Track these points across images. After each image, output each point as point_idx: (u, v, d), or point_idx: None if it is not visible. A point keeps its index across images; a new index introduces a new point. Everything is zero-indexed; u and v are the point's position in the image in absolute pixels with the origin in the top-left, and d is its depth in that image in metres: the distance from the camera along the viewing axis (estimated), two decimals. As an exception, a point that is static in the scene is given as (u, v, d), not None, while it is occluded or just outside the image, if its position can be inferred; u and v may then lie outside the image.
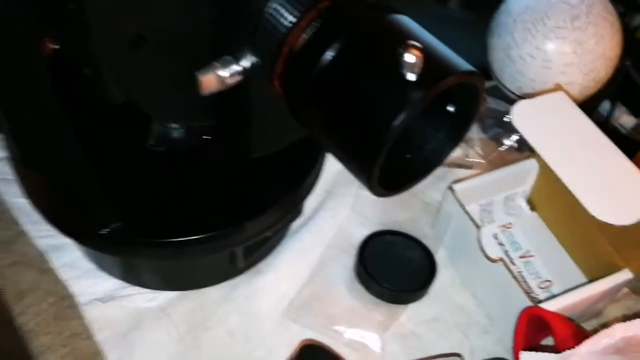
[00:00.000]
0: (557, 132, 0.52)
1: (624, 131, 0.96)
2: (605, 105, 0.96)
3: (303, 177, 0.52)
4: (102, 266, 0.55)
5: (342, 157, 0.30)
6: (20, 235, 0.58)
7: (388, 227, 0.60)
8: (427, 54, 0.27)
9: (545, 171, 0.58)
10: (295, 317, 0.55)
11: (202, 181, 0.51)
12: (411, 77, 0.26)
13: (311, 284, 0.57)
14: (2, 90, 0.35)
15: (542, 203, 0.62)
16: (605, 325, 0.57)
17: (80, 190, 0.44)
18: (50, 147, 0.38)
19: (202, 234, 0.48)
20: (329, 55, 0.29)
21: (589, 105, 0.91)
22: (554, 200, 0.59)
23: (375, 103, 0.27)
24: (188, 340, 0.53)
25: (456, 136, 0.32)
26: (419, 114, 0.27)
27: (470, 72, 0.28)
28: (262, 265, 0.57)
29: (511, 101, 0.70)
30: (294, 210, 0.55)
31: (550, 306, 0.50)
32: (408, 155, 0.32)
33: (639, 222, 0.48)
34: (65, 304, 0.54)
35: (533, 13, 0.61)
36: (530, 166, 0.61)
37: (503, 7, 0.64)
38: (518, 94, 0.64)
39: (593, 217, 0.48)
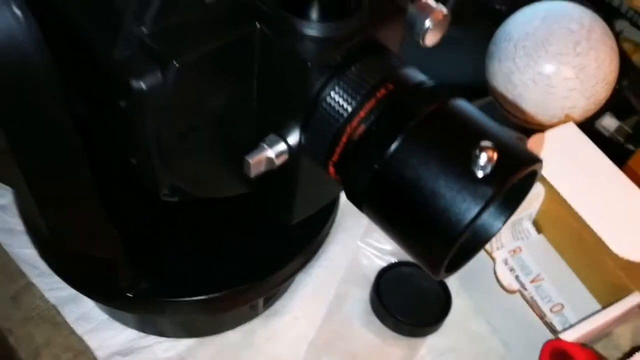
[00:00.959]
0: (570, 164, 0.53)
1: (606, 134, 0.99)
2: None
3: (323, 224, 0.51)
4: (117, 317, 0.54)
5: (406, 247, 0.30)
6: (29, 288, 0.56)
7: (398, 257, 0.60)
8: (498, 149, 0.26)
9: (552, 194, 0.59)
10: (318, 358, 0.55)
11: (228, 231, 0.50)
12: (480, 174, 0.26)
13: (329, 323, 0.57)
14: (33, 175, 0.33)
15: (549, 226, 0.63)
16: (617, 347, 0.59)
17: (106, 256, 0.43)
18: (87, 228, 0.37)
19: (227, 290, 0.47)
20: (392, 148, 0.29)
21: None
22: (561, 224, 0.60)
23: (447, 201, 0.27)
24: (212, 388, 0.53)
25: (508, 212, 0.32)
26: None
27: (537, 161, 0.28)
28: (278, 306, 0.57)
29: (509, 120, 0.71)
30: (313, 253, 0.54)
31: (569, 336, 0.52)
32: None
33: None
34: (83, 359, 0.53)
35: (534, 39, 0.61)
36: (536, 189, 0.62)
37: (502, 33, 0.65)
38: (521, 118, 0.65)
39: (604, 244, 0.49)
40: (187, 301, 0.47)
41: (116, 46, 0.29)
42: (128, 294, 0.45)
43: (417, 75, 0.32)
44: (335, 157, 0.31)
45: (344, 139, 0.30)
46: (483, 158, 0.26)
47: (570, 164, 0.53)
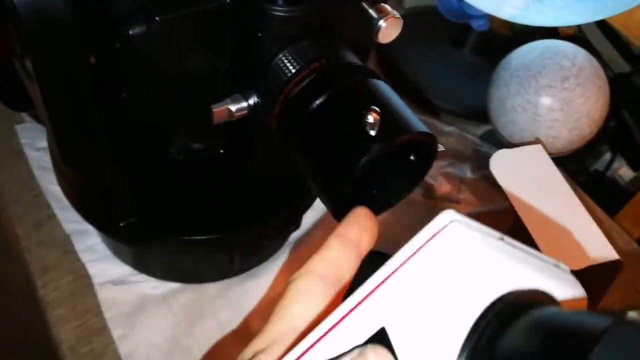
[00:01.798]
0: (528, 180, 0.59)
1: (622, 183, 1.02)
2: (607, 157, 1.02)
3: (304, 195, 0.58)
4: (117, 253, 0.63)
5: (315, 190, 0.37)
6: (51, 218, 0.66)
7: (381, 248, 0.66)
8: (386, 115, 0.33)
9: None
10: (281, 318, 0.61)
11: (212, 189, 0.58)
12: (372, 133, 0.33)
13: (299, 291, 0.64)
14: (50, 95, 0.42)
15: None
16: None
17: (106, 188, 0.51)
18: (87, 150, 0.46)
19: (205, 235, 0.55)
20: (313, 107, 0.36)
21: (588, 155, 0.97)
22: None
23: (344, 150, 0.34)
24: (183, 326, 0.60)
25: (414, 181, 0.39)
26: (379, 160, 0.34)
27: (420, 133, 0.35)
28: (257, 270, 0.64)
29: (504, 146, 0.76)
30: (292, 223, 0.62)
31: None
32: (374, 192, 0.38)
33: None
34: (82, 282, 0.62)
35: (527, 70, 0.67)
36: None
37: (503, 62, 0.71)
38: (510, 140, 0.71)
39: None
40: (168, 238, 0.54)
41: (118, -1, 0.37)
42: (120, 224, 0.54)
43: (350, 57, 0.39)
44: (275, 112, 0.39)
45: (281, 96, 0.38)
46: (370, 119, 0.33)
47: (528, 180, 0.59)
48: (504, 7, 0.68)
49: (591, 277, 0.55)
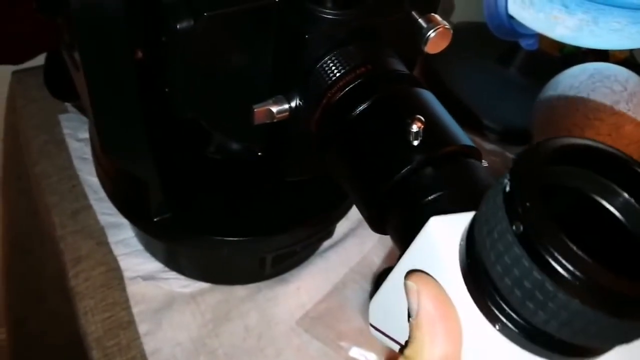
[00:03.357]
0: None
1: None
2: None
3: (338, 203, 0.58)
4: (149, 249, 0.63)
5: (352, 196, 0.37)
6: (87, 208, 0.66)
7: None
8: (430, 125, 0.32)
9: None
10: (308, 326, 0.61)
11: (247, 191, 0.57)
12: (415, 143, 0.32)
13: (328, 300, 0.63)
14: (95, 85, 0.42)
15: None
16: None
17: (143, 181, 0.52)
18: (126, 141, 0.46)
19: (237, 237, 0.54)
20: (355, 112, 0.35)
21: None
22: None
23: (385, 158, 0.34)
24: (210, 326, 0.60)
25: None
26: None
27: (465, 146, 0.34)
28: (287, 275, 0.64)
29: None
30: (325, 231, 0.61)
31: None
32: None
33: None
34: (112, 275, 0.62)
35: (576, 92, 0.65)
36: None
37: (551, 82, 0.69)
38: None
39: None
40: (202, 238, 0.54)
41: (167, -7, 0.38)
42: (154, 220, 0.54)
43: (396, 65, 0.38)
44: (317, 116, 0.38)
45: (324, 101, 0.37)
46: (414, 128, 0.32)
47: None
48: (557, 28, 0.66)
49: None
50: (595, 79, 0.65)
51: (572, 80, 0.67)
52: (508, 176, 0.23)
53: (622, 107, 0.64)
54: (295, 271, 0.64)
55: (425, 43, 0.42)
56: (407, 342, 0.25)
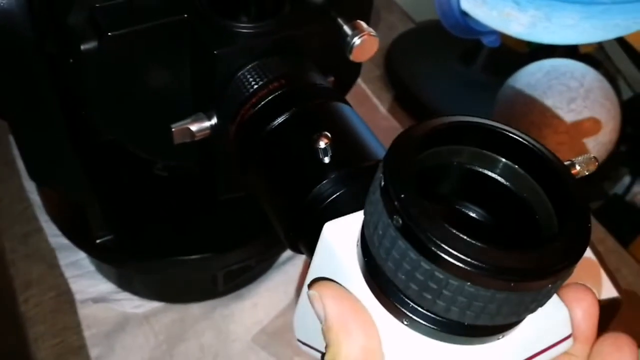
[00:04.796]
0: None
1: (640, 206, 0.97)
2: (626, 180, 0.97)
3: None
4: (101, 270, 0.61)
5: (270, 216, 0.35)
6: (38, 231, 0.65)
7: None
8: (341, 141, 0.31)
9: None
10: (264, 343, 0.59)
11: (194, 208, 0.56)
12: (326, 159, 0.31)
13: (285, 315, 0.61)
14: (10, 109, 0.41)
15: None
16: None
17: (80, 203, 0.50)
18: (54, 165, 0.44)
19: (184, 256, 0.53)
20: (267, 130, 0.34)
21: (605, 178, 0.93)
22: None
23: (296, 178, 0.32)
24: (164, 347, 0.58)
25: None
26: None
27: (376, 162, 0.32)
28: (244, 291, 0.62)
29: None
30: (278, 244, 0.59)
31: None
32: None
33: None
34: (63, 299, 0.61)
35: (533, 90, 0.64)
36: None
37: (509, 81, 0.68)
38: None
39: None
40: (147, 259, 0.53)
41: (71, 13, 0.36)
42: (97, 241, 0.52)
43: (314, 78, 0.37)
44: (233, 133, 0.37)
45: (238, 117, 0.36)
46: (321, 144, 0.31)
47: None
48: (511, 25, 0.65)
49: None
50: (552, 76, 0.64)
51: (529, 78, 0.65)
52: (381, 169, 0.23)
53: (578, 104, 0.62)
54: (252, 286, 0.63)
55: (351, 51, 0.40)
56: (325, 349, 0.25)
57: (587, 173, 0.29)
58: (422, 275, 0.22)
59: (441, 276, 0.21)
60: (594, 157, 0.29)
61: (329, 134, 0.31)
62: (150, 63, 0.38)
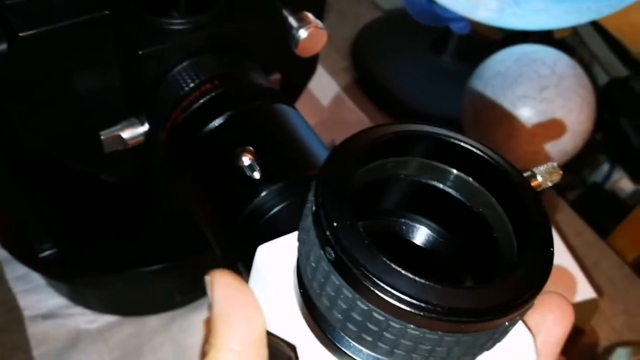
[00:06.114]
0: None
1: (621, 195, 0.95)
2: (605, 168, 0.95)
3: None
4: (51, 284, 0.58)
5: (203, 229, 0.32)
6: (-18, 244, 0.61)
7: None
8: (272, 153, 0.28)
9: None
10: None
11: (144, 216, 0.52)
12: (256, 175, 0.28)
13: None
14: None
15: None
16: None
17: (18, 216, 0.46)
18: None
19: (133, 269, 0.49)
20: (196, 138, 0.30)
21: (584, 166, 0.91)
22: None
23: (227, 195, 0.29)
24: (119, 365, 0.55)
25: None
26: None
27: (308, 175, 0.29)
28: (203, 301, 0.59)
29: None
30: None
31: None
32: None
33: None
34: (12, 315, 0.57)
35: (503, 80, 0.61)
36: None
37: (478, 70, 0.64)
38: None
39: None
40: (92, 274, 0.49)
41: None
42: (39, 255, 0.48)
43: (253, 78, 0.33)
44: (163, 139, 0.33)
45: (169, 122, 0.32)
46: (245, 161, 0.27)
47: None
48: (478, 10, 0.62)
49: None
50: (522, 63, 0.61)
51: (499, 66, 0.62)
52: (312, 193, 0.20)
53: (550, 91, 0.59)
54: (213, 295, 0.59)
55: (296, 45, 0.37)
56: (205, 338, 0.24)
57: (550, 184, 0.26)
58: (359, 316, 0.19)
59: (381, 317, 0.18)
60: (558, 166, 0.26)
61: (251, 149, 0.27)
62: (71, 66, 0.34)
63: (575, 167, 0.86)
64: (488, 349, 0.21)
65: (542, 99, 0.59)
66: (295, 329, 0.22)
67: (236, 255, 0.30)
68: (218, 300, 0.24)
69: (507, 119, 0.60)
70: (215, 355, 0.23)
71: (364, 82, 0.79)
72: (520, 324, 0.24)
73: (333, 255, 0.19)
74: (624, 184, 0.94)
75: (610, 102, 0.86)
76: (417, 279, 0.18)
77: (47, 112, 0.35)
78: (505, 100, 0.60)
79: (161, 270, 0.50)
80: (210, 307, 0.24)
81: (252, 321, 0.23)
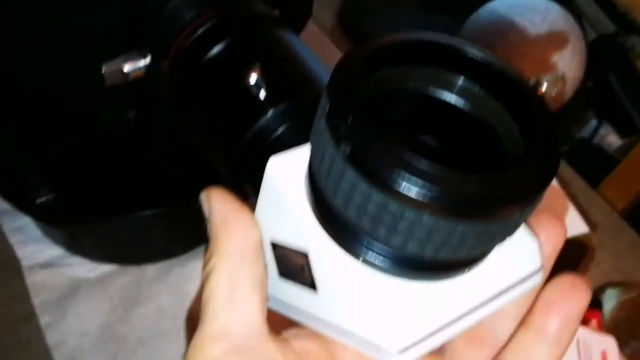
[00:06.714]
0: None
1: (609, 150, 0.96)
2: (593, 123, 0.96)
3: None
4: (48, 234, 0.58)
5: (209, 159, 0.32)
6: (-22, 196, 0.61)
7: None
8: (277, 74, 0.28)
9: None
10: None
11: (141, 161, 0.52)
12: (261, 95, 0.28)
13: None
14: None
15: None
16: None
17: (15, 163, 0.46)
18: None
19: (131, 212, 0.50)
20: (201, 64, 0.31)
21: (572, 122, 0.92)
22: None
23: (233, 117, 0.29)
24: (119, 312, 0.56)
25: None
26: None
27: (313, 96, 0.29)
28: (201, 249, 0.60)
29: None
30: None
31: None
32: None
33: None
34: (9, 266, 0.57)
35: (496, 28, 0.61)
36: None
37: (470, 20, 0.65)
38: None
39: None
40: (90, 217, 0.50)
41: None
42: (36, 202, 0.49)
43: (255, 6, 0.34)
44: (167, 68, 0.33)
45: (173, 51, 0.32)
46: (252, 79, 0.28)
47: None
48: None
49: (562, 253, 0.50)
50: (514, 11, 0.61)
51: (491, 16, 0.62)
52: (326, 93, 0.20)
53: (543, 40, 0.60)
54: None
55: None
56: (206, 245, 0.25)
57: (554, 94, 0.27)
58: (374, 208, 0.19)
59: (396, 207, 0.19)
60: (562, 76, 0.26)
61: (258, 66, 0.28)
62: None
63: (564, 122, 0.87)
64: (499, 242, 0.21)
65: (535, 47, 0.60)
66: (308, 236, 0.23)
67: (243, 176, 0.30)
68: (216, 211, 0.24)
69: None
70: (216, 261, 0.24)
71: (354, 39, 0.79)
72: (524, 228, 0.25)
73: (348, 149, 0.19)
74: (611, 139, 0.96)
75: (598, 58, 0.87)
76: (432, 167, 0.18)
77: (48, 46, 0.35)
78: (498, 51, 0.61)
79: (158, 215, 0.51)
80: (207, 220, 0.25)
81: (250, 228, 0.24)
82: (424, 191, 0.18)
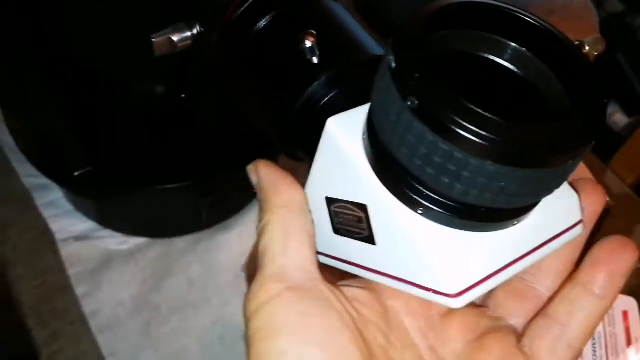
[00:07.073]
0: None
1: (616, 129, 0.98)
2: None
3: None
4: (80, 208, 0.60)
5: (261, 125, 0.34)
6: (10, 172, 0.62)
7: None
8: (330, 39, 0.30)
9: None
10: (253, 270, 0.59)
11: (175, 136, 0.54)
12: (314, 60, 0.30)
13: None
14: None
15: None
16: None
17: (55, 136, 0.48)
18: (22, 93, 0.42)
19: (165, 184, 0.51)
20: (253, 33, 0.32)
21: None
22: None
23: (286, 82, 0.31)
24: (151, 283, 0.57)
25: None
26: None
27: (372, 57, 0.31)
28: (230, 221, 0.61)
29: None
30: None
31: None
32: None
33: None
34: (43, 239, 0.59)
35: (514, 4, 0.62)
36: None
37: None
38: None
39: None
40: (127, 190, 0.51)
41: None
42: (74, 174, 0.50)
43: None
44: (217, 39, 0.35)
45: (222, 21, 0.34)
46: (307, 43, 0.29)
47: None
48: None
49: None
50: (531, -11, 0.63)
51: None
52: (391, 52, 0.21)
53: (558, 15, 0.61)
54: (237, 217, 0.62)
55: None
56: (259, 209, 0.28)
57: (595, 54, 0.28)
58: (440, 158, 0.21)
59: (460, 156, 0.21)
60: (602, 37, 0.28)
61: (314, 32, 0.29)
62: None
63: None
64: (550, 190, 0.23)
65: (556, 21, 0.61)
66: (368, 189, 0.25)
67: (296, 140, 0.32)
68: (264, 177, 0.28)
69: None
70: (270, 217, 0.26)
71: (362, 6, 0.80)
72: (566, 185, 0.27)
73: (416, 103, 0.21)
74: (618, 117, 0.97)
75: (606, 37, 0.89)
76: (495, 117, 0.20)
77: (98, 17, 0.37)
78: (514, 26, 0.62)
79: (190, 187, 0.53)
80: (256, 187, 0.28)
81: (295, 188, 0.27)
82: (487, 141, 0.20)
